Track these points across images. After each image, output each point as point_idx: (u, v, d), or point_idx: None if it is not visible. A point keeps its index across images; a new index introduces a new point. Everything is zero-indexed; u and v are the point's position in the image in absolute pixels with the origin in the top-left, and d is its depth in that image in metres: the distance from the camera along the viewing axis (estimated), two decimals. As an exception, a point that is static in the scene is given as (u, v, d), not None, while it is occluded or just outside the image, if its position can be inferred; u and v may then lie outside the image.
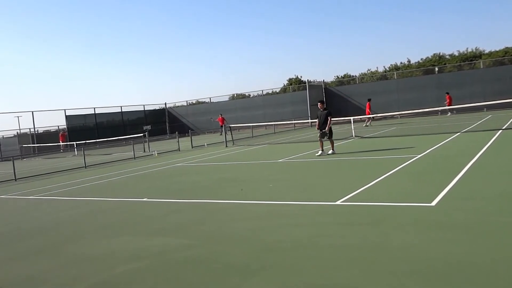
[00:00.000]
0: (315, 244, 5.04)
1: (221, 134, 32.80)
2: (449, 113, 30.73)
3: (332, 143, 13.78)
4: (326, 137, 13.51)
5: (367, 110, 27.99)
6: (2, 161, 29.57)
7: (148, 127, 39.11)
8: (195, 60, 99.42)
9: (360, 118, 26.78)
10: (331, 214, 6.40)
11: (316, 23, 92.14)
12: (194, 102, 50.38)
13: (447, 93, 30.08)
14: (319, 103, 14.11)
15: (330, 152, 13.57)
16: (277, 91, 50.43)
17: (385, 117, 32.54)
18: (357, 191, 7.64)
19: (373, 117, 27.61)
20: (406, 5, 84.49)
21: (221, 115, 37.23)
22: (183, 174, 13.09)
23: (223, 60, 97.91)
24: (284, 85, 54.80)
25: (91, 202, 9.63)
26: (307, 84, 38.18)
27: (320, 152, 13.55)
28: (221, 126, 35.28)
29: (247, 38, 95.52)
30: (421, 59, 51.52)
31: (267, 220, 6.42)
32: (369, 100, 28.85)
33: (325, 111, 13.63)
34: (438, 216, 5.63)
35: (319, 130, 13.71)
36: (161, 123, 46.38)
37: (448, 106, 28.42)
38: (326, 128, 13.38)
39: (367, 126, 26.89)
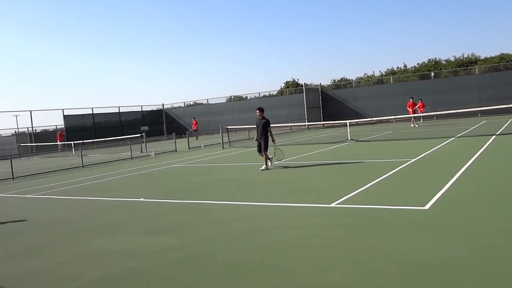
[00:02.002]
0: (309, 245, 5.13)
1: (197, 138, 31.68)
2: (421, 120, 29.93)
3: (266, 157, 12.08)
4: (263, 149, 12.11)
5: (420, 109, 26.23)
6: (0, 159, 29.49)
7: (146, 127, 39.12)
8: (193, 61, 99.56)
9: (413, 117, 25.85)
10: (325, 216, 6.49)
11: (314, 26, 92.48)
12: (191, 103, 50.46)
13: (420, 100, 28.77)
14: (257, 111, 12.37)
15: (263, 167, 11.97)
16: (274, 94, 50.62)
17: (380, 121, 32.69)
18: (352, 193, 7.73)
19: (414, 116, 25.78)
20: (403, 10, 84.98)
21: (194, 118, 37.08)
22: (179, 174, 13.16)
23: (221, 62, 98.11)
24: (281, 88, 54.99)
25: (88, 201, 9.69)
26: (303, 87, 38.32)
27: (264, 166, 12.05)
28: (195, 130, 34.48)
29: (245, 40, 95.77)
30: (417, 64, 51.95)
31: (262, 221, 6.51)
32: (420, 99, 27.26)
33: (263, 120, 12.15)
34: (431, 219, 5.73)
35: (257, 141, 12.33)
36: (159, 124, 46.38)
37: (420, 113, 27.74)
38: (265, 139, 11.99)
39: (416, 126, 25.66)
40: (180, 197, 9.09)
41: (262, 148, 12.07)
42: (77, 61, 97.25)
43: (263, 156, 12.14)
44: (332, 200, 7.32)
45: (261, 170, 11.84)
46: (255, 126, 12.56)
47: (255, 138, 12.44)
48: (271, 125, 12.36)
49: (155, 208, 8.23)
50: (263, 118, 12.25)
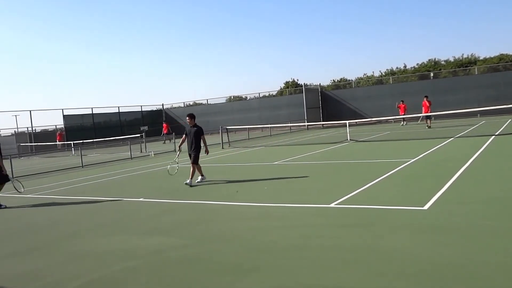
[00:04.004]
0: (308, 245, 5.14)
1: (164, 143, 29.77)
2: (402, 123, 29.36)
3: (200, 169, 10.79)
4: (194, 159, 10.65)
5: (425, 108, 24.44)
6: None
7: (145, 127, 39.13)
8: (193, 61, 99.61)
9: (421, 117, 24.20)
10: (324, 216, 6.50)
11: (314, 27, 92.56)
12: (191, 103, 50.48)
13: (402, 101, 28.94)
14: (187, 118, 10.89)
15: (199, 179, 10.72)
16: (274, 94, 50.66)
17: (379, 121, 32.71)
18: (351, 194, 7.75)
19: (429, 115, 24.07)
20: (403, 10, 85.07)
21: (164, 121, 35.95)
22: (179, 175, 13.13)
23: (221, 62, 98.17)
24: (281, 88, 55.03)
25: (87, 201, 9.69)
26: (303, 87, 38.34)
27: (200, 177, 10.74)
28: (165, 134, 32.74)
29: (245, 40, 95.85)
30: (417, 64, 52.03)
31: (261, 221, 6.51)
32: (426, 96, 25.44)
33: (195, 128, 10.70)
34: (430, 220, 5.74)
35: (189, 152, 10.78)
36: (158, 124, 46.37)
37: (401, 114, 27.75)
38: (198, 150, 10.62)
39: (429, 127, 23.81)
40: (179, 197, 9.09)
41: (192, 160, 10.61)
42: (77, 61, 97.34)
43: (198, 167, 10.73)
44: (331, 200, 7.33)
45: (197, 181, 10.64)
46: (185, 134, 10.95)
47: (189, 150, 10.74)
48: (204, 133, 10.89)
49: (154, 208, 8.24)
50: (195, 125, 10.78)
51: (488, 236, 4.92)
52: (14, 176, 15.82)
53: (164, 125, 34.34)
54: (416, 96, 34.24)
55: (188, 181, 10.42)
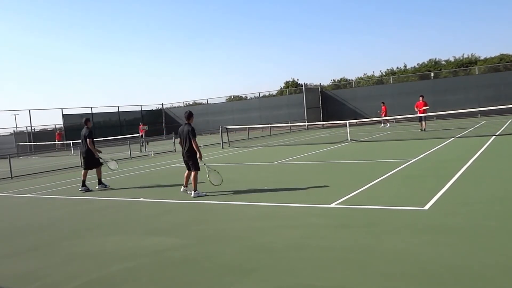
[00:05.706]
0: (308, 246, 5.12)
1: (142, 145, 26.79)
2: (382, 125, 29.30)
3: (196, 180, 8.83)
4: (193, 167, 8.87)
5: (421, 109, 22.22)
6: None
7: (145, 127, 39.10)
8: (193, 61, 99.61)
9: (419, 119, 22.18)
10: (325, 217, 6.48)
11: (314, 27, 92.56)
12: (191, 103, 50.47)
13: (383, 103, 29.21)
14: (191, 117, 9.10)
15: (193, 194, 8.76)
16: (274, 94, 50.66)
17: (380, 122, 32.67)
18: (352, 194, 7.73)
19: (424, 116, 22.04)
20: (403, 10, 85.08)
21: (141, 123, 33.58)
22: (178, 175, 13.11)
23: (221, 62, 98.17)
24: (281, 88, 55.02)
25: (87, 201, 9.68)
26: (303, 87, 38.32)
27: (193, 192, 8.82)
28: (142, 136, 30.31)
29: (245, 40, 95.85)
30: (417, 64, 52.05)
31: (261, 221, 6.49)
32: (421, 96, 23.13)
33: (188, 127, 8.87)
34: (431, 220, 5.73)
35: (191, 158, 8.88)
36: (158, 124, 46.36)
37: (383, 116, 27.86)
38: (193, 154, 8.83)
39: (423, 130, 21.62)
40: (179, 197, 9.06)
41: (191, 167, 8.87)
42: (77, 60, 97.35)
43: (188, 175, 9.05)
44: (331, 200, 7.31)
45: (192, 196, 8.78)
46: (179, 135, 9.12)
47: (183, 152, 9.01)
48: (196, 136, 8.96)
49: (154, 208, 8.22)
50: (188, 124, 9.01)
51: (489, 237, 4.90)
52: (13, 176, 15.82)
53: (140, 126, 31.93)
54: (417, 96, 34.19)
55: (193, 193, 8.79)
